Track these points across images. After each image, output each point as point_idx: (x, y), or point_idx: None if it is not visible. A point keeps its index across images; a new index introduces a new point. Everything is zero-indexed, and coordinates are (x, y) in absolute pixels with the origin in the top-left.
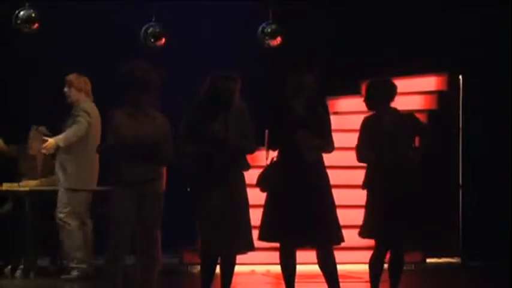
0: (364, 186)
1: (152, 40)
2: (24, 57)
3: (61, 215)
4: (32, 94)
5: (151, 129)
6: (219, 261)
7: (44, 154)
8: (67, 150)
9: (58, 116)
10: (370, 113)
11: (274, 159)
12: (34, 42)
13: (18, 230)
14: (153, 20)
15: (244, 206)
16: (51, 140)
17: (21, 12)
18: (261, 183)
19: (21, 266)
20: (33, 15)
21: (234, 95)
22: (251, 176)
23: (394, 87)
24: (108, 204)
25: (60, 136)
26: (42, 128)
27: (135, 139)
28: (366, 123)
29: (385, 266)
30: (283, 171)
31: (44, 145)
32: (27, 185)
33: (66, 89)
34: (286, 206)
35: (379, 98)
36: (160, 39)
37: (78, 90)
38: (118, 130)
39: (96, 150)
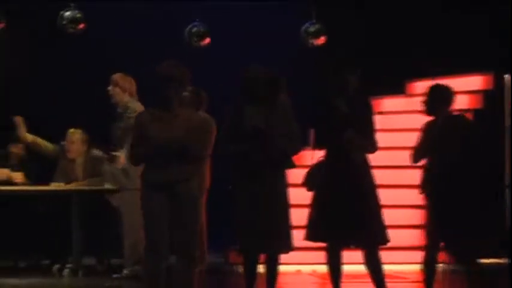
0: (421, 190)
1: (196, 40)
2: (70, 58)
3: (127, 215)
4: (76, 94)
5: (179, 129)
6: (263, 260)
7: (85, 156)
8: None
9: (100, 116)
10: (420, 114)
11: (321, 158)
12: (79, 42)
13: (66, 230)
14: (197, 19)
15: (284, 205)
16: (121, 159)
17: (67, 13)
18: (307, 182)
19: (69, 265)
20: (78, 15)
21: (262, 86)
22: (296, 175)
23: (453, 93)
24: None
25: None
26: (78, 131)
27: (163, 140)
28: (425, 128)
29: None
30: (329, 171)
31: (116, 162)
32: (73, 184)
33: (110, 88)
34: (332, 206)
35: (439, 104)
36: (205, 38)
37: (123, 90)
38: (145, 132)
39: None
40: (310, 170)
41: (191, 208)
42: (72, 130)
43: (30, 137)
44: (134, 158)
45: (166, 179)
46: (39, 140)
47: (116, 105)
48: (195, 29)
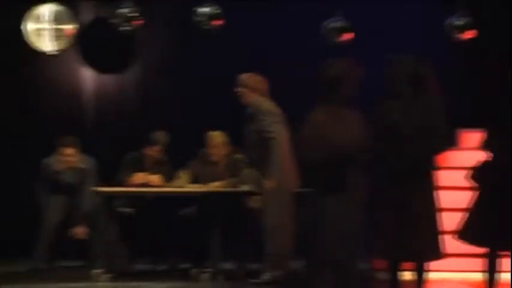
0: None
1: (336, 35)
2: (205, 56)
3: (270, 219)
4: (213, 93)
5: (355, 129)
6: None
7: (227, 158)
8: (261, 156)
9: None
10: None
11: (489, 158)
12: (215, 40)
13: (205, 232)
14: (337, 15)
15: (430, 210)
16: (269, 184)
17: (204, 9)
18: (477, 179)
19: (208, 269)
20: (217, 12)
21: (404, 78)
22: (447, 177)
23: None
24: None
25: (271, 173)
26: (220, 133)
27: (341, 141)
28: None
29: None
30: (500, 172)
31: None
32: (212, 186)
33: (239, 89)
34: (501, 209)
35: None
36: (345, 34)
37: (252, 91)
38: (322, 132)
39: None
40: (479, 166)
41: (351, 214)
42: (213, 133)
43: None
44: (307, 160)
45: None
46: None
47: (246, 106)
48: (334, 25)
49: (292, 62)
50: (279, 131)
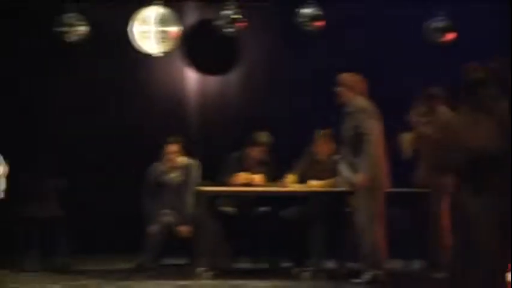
0: None
1: (439, 36)
2: (306, 57)
3: (360, 217)
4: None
5: (491, 133)
6: None
7: (330, 157)
8: (355, 152)
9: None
10: None
11: None
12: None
13: (306, 231)
14: (440, 14)
15: None
16: (358, 179)
17: (306, 10)
18: None
19: (309, 268)
20: (318, 13)
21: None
22: None
23: None
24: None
25: (363, 169)
26: (328, 131)
27: (480, 147)
28: None
29: None
30: None
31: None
32: (312, 185)
33: (337, 88)
34: None
35: None
36: (448, 34)
37: (349, 89)
38: (457, 138)
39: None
40: None
41: None
42: (318, 131)
43: None
44: (443, 167)
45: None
46: None
47: (344, 104)
48: (437, 25)
49: (392, 62)
50: (373, 128)
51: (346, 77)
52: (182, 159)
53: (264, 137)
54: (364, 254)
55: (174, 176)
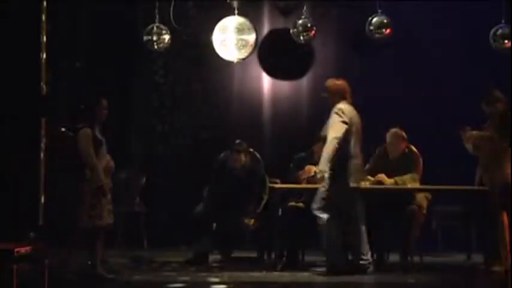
0: None
1: (502, 42)
2: (374, 64)
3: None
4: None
5: None
6: None
7: (402, 155)
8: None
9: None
10: None
11: None
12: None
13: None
14: (503, 21)
15: None
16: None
17: (374, 19)
18: None
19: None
20: (385, 21)
21: None
22: None
23: None
24: None
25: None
26: (398, 130)
27: None
28: None
29: None
30: None
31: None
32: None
33: (324, 94)
34: None
35: None
36: (509, 41)
37: (333, 95)
38: None
39: None
40: None
41: None
42: (390, 130)
43: None
44: None
45: None
46: None
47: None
48: (500, 31)
49: (456, 66)
50: (338, 130)
51: (330, 83)
52: (251, 159)
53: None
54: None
55: (242, 173)
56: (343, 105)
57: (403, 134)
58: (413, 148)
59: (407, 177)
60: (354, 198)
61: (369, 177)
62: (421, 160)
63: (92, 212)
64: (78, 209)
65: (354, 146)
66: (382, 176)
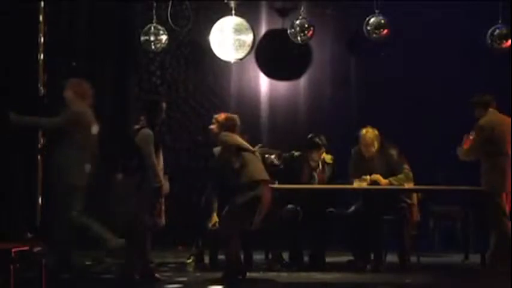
0: None
1: (498, 42)
2: (371, 64)
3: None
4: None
5: None
6: None
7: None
8: None
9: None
10: None
11: None
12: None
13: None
14: (500, 21)
15: None
16: None
17: (371, 20)
18: None
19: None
20: (382, 21)
21: None
22: None
23: None
24: None
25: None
26: (369, 129)
27: None
28: None
29: None
30: None
31: None
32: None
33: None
34: None
35: None
36: (507, 41)
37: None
38: None
39: None
40: None
41: None
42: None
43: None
44: None
45: None
46: None
47: None
48: (497, 31)
49: (453, 65)
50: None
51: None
52: None
53: (324, 140)
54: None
55: None
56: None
57: (375, 132)
58: (391, 146)
59: (401, 176)
60: None
61: (364, 177)
62: (401, 155)
63: (153, 212)
64: (139, 209)
65: None
66: (377, 177)
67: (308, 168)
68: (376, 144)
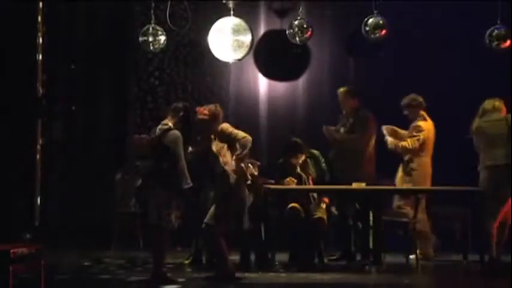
0: None
1: (497, 43)
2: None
3: None
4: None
5: None
6: None
7: None
8: None
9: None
10: None
11: None
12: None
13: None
14: (498, 21)
15: None
16: None
17: (370, 20)
18: None
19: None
20: (381, 22)
21: None
22: None
23: None
24: None
25: None
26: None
27: None
28: None
29: None
30: None
31: None
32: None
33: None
34: None
35: None
36: (505, 41)
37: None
38: None
39: None
40: None
41: None
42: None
43: None
44: None
45: None
46: None
47: None
48: (495, 32)
49: (452, 66)
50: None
51: None
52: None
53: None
54: None
55: None
56: None
57: (351, 90)
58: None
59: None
60: None
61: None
62: (372, 123)
63: (177, 213)
64: (166, 210)
65: None
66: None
67: (293, 170)
68: (350, 102)
